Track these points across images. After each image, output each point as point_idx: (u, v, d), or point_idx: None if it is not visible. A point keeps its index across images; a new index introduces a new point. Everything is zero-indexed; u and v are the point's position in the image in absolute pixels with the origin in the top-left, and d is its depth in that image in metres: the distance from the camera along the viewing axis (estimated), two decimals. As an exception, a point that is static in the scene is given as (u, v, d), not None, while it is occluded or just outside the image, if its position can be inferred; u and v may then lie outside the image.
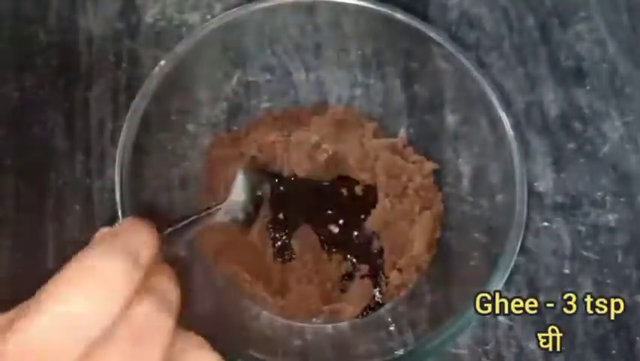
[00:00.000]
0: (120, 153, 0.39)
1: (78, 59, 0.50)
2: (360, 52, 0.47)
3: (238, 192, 0.41)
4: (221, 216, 0.39)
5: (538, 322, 0.44)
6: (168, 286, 0.25)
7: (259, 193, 0.43)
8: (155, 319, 0.23)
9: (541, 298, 0.44)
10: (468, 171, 0.44)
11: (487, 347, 0.43)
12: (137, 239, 0.25)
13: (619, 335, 0.44)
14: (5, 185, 0.46)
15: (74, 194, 0.46)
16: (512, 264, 0.37)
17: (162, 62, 0.41)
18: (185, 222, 0.34)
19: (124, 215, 0.37)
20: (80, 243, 0.45)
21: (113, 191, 0.38)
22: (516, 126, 0.41)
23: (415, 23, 0.43)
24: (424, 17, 0.52)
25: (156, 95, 0.41)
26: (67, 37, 0.51)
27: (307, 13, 0.45)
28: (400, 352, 0.36)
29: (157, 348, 0.23)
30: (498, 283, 0.37)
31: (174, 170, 0.44)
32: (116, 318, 0.22)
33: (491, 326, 0.44)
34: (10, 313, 0.22)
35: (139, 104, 0.40)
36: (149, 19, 0.52)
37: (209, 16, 0.53)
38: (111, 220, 0.45)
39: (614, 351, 0.43)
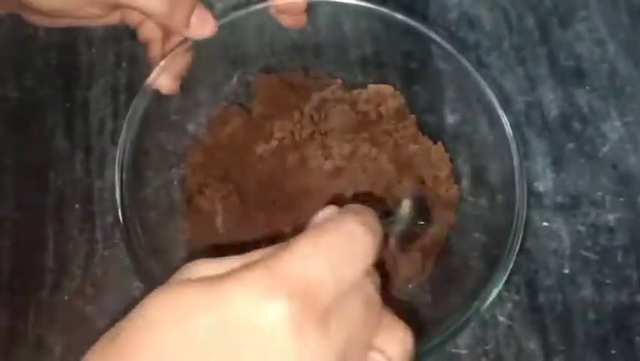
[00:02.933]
0: (120, 152, 0.39)
1: (78, 59, 0.50)
2: (360, 52, 0.47)
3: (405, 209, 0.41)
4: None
5: (538, 322, 0.44)
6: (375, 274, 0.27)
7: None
8: (375, 293, 0.25)
9: (541, 298, 0.44)
10: (468, 171, 0.44)
11: (487, 347, 0.43)
12: (374, 220, 0.26)
13: (619, 335, 0.44)
14: (5, 185, 0.46)
15: (74, 194, 0.46)
16: (512, 264, 0.37)
17: (162, 62, 0.41)
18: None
19: (124, 215, 0.37)
20: (80, 242, 0.45)
21: (113, 191, 0.38)
22: (516, 126, 0.41)
23: (415, 24, 0.43)
24: (424, 18, 0.52)
25: (156, 95, 0.41)
26: (66, 36, 0.51)
27: (307, 13, 0.45)
28: (400, 352, 0.36)
29: (377, 316, 0.25)
30: (498, 283, 0.37)
31: (174, 170, 0.44)
32: (357, 281, 0.24)
33: (491, 326, 0.44)
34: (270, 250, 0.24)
35: (139, 104, 0.40)
36: (149, 19, 0.52)
37: (209, 16, 0.53)
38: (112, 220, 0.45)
39: (614, 351, 0.43)
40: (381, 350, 0.25)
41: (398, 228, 0.40)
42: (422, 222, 0.42)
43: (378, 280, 0.26)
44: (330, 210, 0.27)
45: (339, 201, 0.42)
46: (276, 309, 0.21)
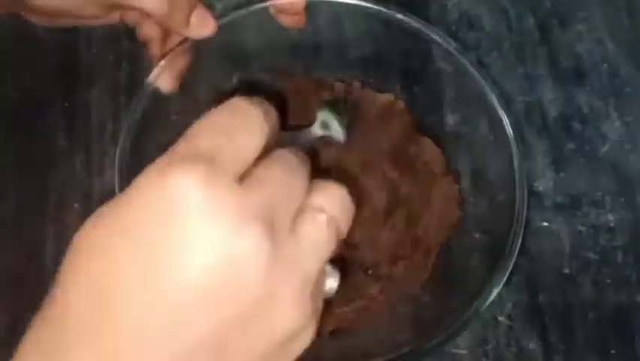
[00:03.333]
0: (120, 153, 0.39)
1: (78, 59, 0.50)
2: (360, 52, 0.47)
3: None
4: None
5: (538, 322, 0.44)
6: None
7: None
8: (297, 158, 0.25)
9: (541, 298, 0.44)
10: (467, 171, 0.44)
11: (487, 347, 0.43)
12: (263, 102, 0.26)
13: (619, 335, 0.44)
14: (5, 185, 0.46)
15: (74, 194, 0.46)
16: (512, 264, 0.37)
17: (162, 62, 0.41)
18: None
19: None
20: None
21: (113, 191, 0.38)
22: (516, 126, 0.41)
23: (415, 24, 0.43)
24: (424, 18, 0.51)
25: (156, 95, 0.41)
26: (67, 37, 0.51)
27: (307, 13, 0.45)
28: (400, 352, 0.36)
29: (304, 178, 0.25)
30: (498, 283, 0.37)
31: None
32: (270, 144, 0.24)
33: (491, 326, 0.44)
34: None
35: (139, 104, 0.40)
36: (149, 19, 0.52)
37: (209, 17, 0.53)
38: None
39: (614, 351, 0.43)
40: (320, 207, 0.24)
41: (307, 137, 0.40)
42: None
43: (303, 157, 0.26)
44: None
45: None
46: (181, 177, 0.21)
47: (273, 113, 0.25)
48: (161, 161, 0.23)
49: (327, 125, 0.40)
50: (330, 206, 0.25)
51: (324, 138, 0.40)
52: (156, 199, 0.22)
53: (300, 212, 0.24)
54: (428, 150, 0.45)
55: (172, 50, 0.41)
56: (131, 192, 0.23)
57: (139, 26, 0.42)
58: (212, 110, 0.25)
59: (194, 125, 0.24)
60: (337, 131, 0.40)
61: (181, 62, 0.42)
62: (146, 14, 0.39)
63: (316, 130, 0.40)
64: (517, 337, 0.43)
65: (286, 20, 0.43)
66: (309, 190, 0.25)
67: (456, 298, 0.40)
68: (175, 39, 0.41)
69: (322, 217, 0.24)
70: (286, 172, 0.24)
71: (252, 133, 0.24)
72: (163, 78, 0.41)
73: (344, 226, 0.25)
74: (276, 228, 0.22)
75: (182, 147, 0.23)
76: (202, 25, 0.40)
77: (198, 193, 0.21)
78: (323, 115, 0.40)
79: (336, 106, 0.41)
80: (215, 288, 0.21)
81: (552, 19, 0.53)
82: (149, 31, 0.42)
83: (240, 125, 0.24)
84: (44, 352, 0.24)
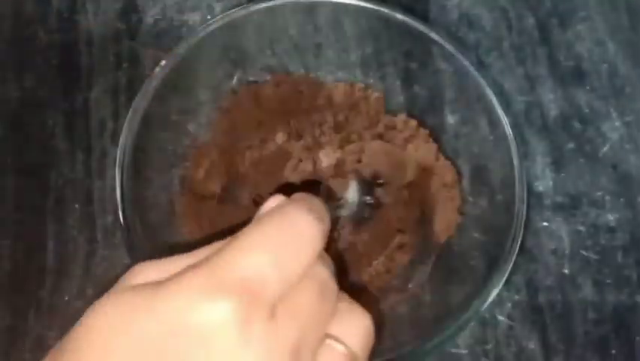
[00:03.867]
0: (120, 153, 0.39)
1: (78, 59, 0.50)
2: (360, 52, 0.47)
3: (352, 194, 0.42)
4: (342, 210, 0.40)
5: (538, 322, 0.44)
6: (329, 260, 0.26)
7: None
8: (330, 279, 0.24)
9: (541, 298, 0.44)
10: (468, 171, 0.44)
11: (487, 347, 0.43)
12: (320, 207, 0.26)
13: (619, 335, 0.44)
14: (5, 185, 0.46)
15: (74, 194, 0.46)
16: (512, 264, 0.37)
17: (162, 62, 0.41)
18: None
19: (124, 215, 0.37)
20: (80, 242, 0.45)
21: (113, 191, 0.38)
22: (516, 126, 0.41)
23: (415, 24, 0.43)
24: (424, 18, 0.52)
25: (156, 95, 0.41)
26: (67, 37, 0.51)
27: (307, 13, 0.45)
28: (400, 352, 0.36)
29: (333, 303, 0.24)
30: (498, 283, 0.37)
31: (174, 170, 0.44)
32: (307, 270, 0.23)
33: (491, 326, 0.44)
34: (206, 250, 0.24)
35: (139, 104, 0.40)
36: (149, 19, 0.52)
37: (209, 17, 0.53)
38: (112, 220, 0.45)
39: (614, 351, 0.43)
40: (338, 338, 0.24)
41: (347, 211, 0.41)
42: (370, 202, 0.42)
43: (332, 266, 0.25)
44: (275, 200, 0.26)
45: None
46: (217, 310, 0.21)
47: (327, 219, 0.25)
48: (200, 274, 0.22)
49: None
50: (353, 341, 0.24)
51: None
52: (186, 320, 0.21)
53: (322, 340, 0.24)
54: (447, 173, 0.45)
55: (171, 50, 0.42)
56: (159, 307, 0.22)
57: None
58: (265, 217, 0.23)
59: (242, 235, 0.23)
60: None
61: None
62: None
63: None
64: (517, 337, 0.43)
65: None
66: (334, 312, 0.24)
67: (456, 298, 0.40)
68: None
69: (342, 354, 0.24)
70: (319, 298, 0.23)
71: (303, 258, 0.23)
72: None
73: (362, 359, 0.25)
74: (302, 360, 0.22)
75: (226, 262, 0.22)
76: None
77: (232, 328, 0.21)
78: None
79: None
80: None
81: (552, 19, 0.53)
82: None
83: (292, 249, 0.23)
84: None
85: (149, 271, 0.24)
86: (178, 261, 0.24)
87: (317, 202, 0.26)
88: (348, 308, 0.25)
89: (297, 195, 0.27)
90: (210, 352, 0.21)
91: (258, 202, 0.44)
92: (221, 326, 0.21)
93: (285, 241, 0.23)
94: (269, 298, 0.22)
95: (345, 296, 0.25)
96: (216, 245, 0.24)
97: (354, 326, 0.24)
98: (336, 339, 0.24)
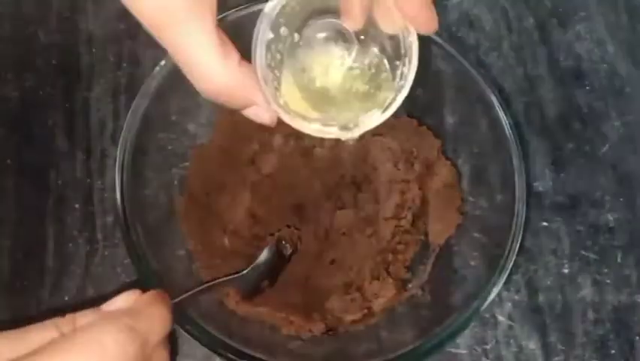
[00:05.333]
0: (120, 153, 0.39)
1: (78, 59, 0.50)
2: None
3: (263, 261, 0.42)
4: (236, 283, 0.40)
5: (538, 322, 0.44)
6: None
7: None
8: None
9: (541, 298, 0.44)
10: (468, 171, 0.44)
11: (487, 347, 0.43)
12: (153, 324, 0.29)
13: (619, 335, 0.44)
14: (5, 185, 0.46)
15: (74, 194, 0.46)
16: (512, 264, 0.37)
17: (162, 62, 0.41)
18: (198, 289, 0.37)
19: (124, 215, 0.37)
20: (80, 242, 0.45)
21: (113, 191, 0.38)
22: (515, 126, 0.41)
23: (415, 24, 0.43)
24: (424, 17, 0.52)
25: (156, 95, 0.41)
26: (67, 37, 0.51)
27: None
28: (400, 352, 0.36)
29: None
30: (498, 283, 0.37)
31: (174, 170, 0.44)
32: None
33: (491, 326, 0.44)
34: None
35: (139, 104, 0.40)
36: (149, 19, 0.52)
37: (209, 17, 0.53)
38: (112, 221, 0.45)
39: (614, 351, 0.43)
40: None
41: (247, 280, 0.41)
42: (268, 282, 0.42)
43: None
44: (123, 298, 0.30)
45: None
46: None
47: (157, 330, 0.29)
48: None
49: None
50: None
51: None
52: None
53: None
54: (447, 173, 0.45)
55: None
56: None
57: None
58: (80, 333, 0.26)
59: (49, 353, 0.26)
60: None
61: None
62: None
63: None
64: (517, 337, 0.43)
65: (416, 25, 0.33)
66: None
67: (456, 298, 0.40)
68: None
69: None
70: None
71: None
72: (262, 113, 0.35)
73: None
74: None
75: None
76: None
77: None
78: None
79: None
80: None
81: (552, 19, 0.54)
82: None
83: None
84: None
85: None
86: (20, 340, 0.27)
87: (155, 312, 0.29)
88: None
89: (139, 300, 0.30)
90: None
91: (255, 215, 0.44)
92: None
93: None
94: None
95: None
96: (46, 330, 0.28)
97: None
98: None
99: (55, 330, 0.28)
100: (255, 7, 0.43)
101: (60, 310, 0.31)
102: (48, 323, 0.29)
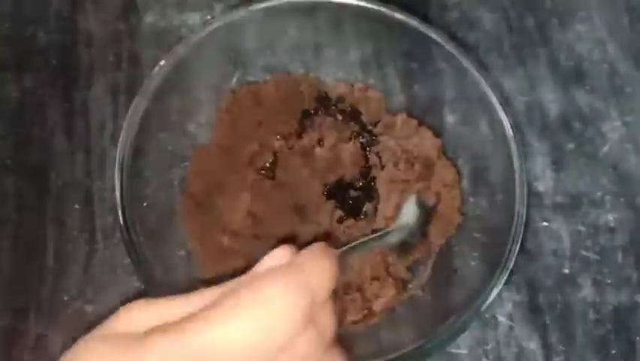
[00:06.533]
0: (120, 153, 0.39)
1: (78, 59, 0.50)
2: (360, 52, 0.47)
3: (410, 215, 0.41)
4: (393, 238, 0.40)
5: (539, 322, 0.44)
6: (329, 321, 0.27)
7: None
8: (314, 351, 0.25)
9: (541, 298, 0.44)
10: (468, 171, 0.44)
11: (487, 347, 0.43)
12: (320, 276, 0.26)
13: (619, 335, 0.44)
14: (5, 185, 0.46)
15: (74, 194, 0.46)
16: (512, 264, 0.37)
17: (162, 62, 0.41)
18: (358, 242, 0.35)
19: (124, 215, 0.37)
20: (80, 242, 0.45)
21: (113, 191, 0.38)
22: (516, 126, 0.41)
23: (415, 24, 0.43)
24: (424, 18, 0.51)
25: (156, 95, 0.41)
26: (67, 37, 0.51)
27: (307, 13, 0.45)
28: (400, 352, 0.36)
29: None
30: (498, 283, 0.37)
31: (174, 170, 0.44)
32: (285, 344, 0.24)
33: (491, 326, 0.44)
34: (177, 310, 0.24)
35: (139, 104, 0.40)
36: (149, 19, 0.52)
37: (209, 17, 0.53)
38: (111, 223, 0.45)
39: (614, 351, 0.43)
40: None
41: (396, 238, 0.40)
42: (419, 234, 0.42)
43: (314, 334, 0.26)
44: (278, 255, 0.27)
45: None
46: None
47: (326, 282, 0.26)
48: (166, 340, 0.23)
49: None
50: None
51: None
52: None
53: None
54: (447, 173, 0.45)
55: (171, 49, 0.42)
56: None
57: None
58: (248, 289, 0.24)
59: (217, 305, 0.24)
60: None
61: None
62: None
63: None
64: (517, 337, 0.43)
65: None
66: None
67: (456, 298, 0.40)
68: None
69: None
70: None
71: (275, 335, 0.24)
72: None
73: None
74: None
75: (196, 336, 0.23)
76: None
77: None
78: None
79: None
80: None
81: (552, 19, 0.54)
82: None
83: (264, 327, 0.23)
84: None
85: (136, 315, 0.25)
86: (168, 307, 0.25)
87: (321, 264, 0.26)
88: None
89: (303, 255, 0.27)
90: None
91: (255, 215, 0.44)
92: None
93: (258, 319, 0.23)
94: None
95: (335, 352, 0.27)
96: (216, 293, 0.25)
97: None
98: None
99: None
100: (255, 7, 0.43)
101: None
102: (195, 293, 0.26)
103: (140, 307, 0.25)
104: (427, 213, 0.42)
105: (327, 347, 0.26)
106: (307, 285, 0.25)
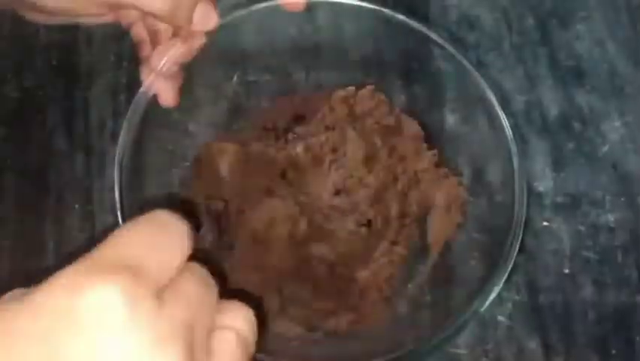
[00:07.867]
0: (120, 152, 0.39)
1: (78, 59, 0.50)
2: (360, 52, 0.47)
3: None
4: None
5: (539, 322, 0.44)
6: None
7: None
8: (208, 275, 0.25)
9: (541, 298, 0.44)
10: (467, 171, 0.44)
11: (487, 347, 0.43)
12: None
13: (619, 335, 0.44)
14: (5, 185, 0.46)
15: (74, 194, 0.46)
16: (512, 264, 0.37)
17: (163, 62, 0.41)
18: None
19: (123, 215, 0.37)
20: (80, 242, 0.45)
21: (113, 191, 0.38)
22: (516, 126, 0.41)
23: (415, 24, 0.43)
24: (425, 18, 0.52)
25: (156, 94, 0.41)
26: (67, 37, 0.51)
27: (307, 13, 0.45)
28: (400, 352, 0.36)
29: (215, 295, 0.24)
30: (498, 283, 0.37)
31: (174, 170, 0.44)
32: (182, 266, 0.24)
33: (491, 326, 0.44)
34: None
35: (139, 103, 0.40)
36: (149, 19, 0.52)
37: (209, 16, 0.53)
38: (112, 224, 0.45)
39: (614, 351, 0.43)
40: (230, 326, 0.24)
41: None
42: None
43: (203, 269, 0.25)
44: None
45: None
46: (102, 292, 0.21)
47: (190, 232, 0.25)
48: (80, 265, 0.22)
49: None
50: (239, 324, 0.25)
51: None
52: (70, 306, 0.21)
53: (211, 331, 0.24)
54: (448, 172, 0.45)
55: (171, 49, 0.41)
56: (39, 300, 0.22)
57: (133, 27, 0.42)
58: (137, 219, 0.24)
59: (117, 232, 0.24)
60: None
61: (179, 79, 0.41)
62: (150, 14, 0.39)
63: None
64: (517, 337, 0.43)
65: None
66: (217, 305, 0.25)
67: (456, 298, 0.40)
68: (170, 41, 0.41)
69: (233, 335, 0.24)
70: (201, 286, 0.24)
71: (175, 248, 0.24)
72: (165, 94, 0.41)
73: (252, 343, 0.25)
74: (195, 347, 0.22)
75: (106, 252, 0.23)
76: (206, 20, 0.40)
77: (120, 306, 0.20)
78: None
79: None
80: None
81: (552, 19, 0.53)
82: (141, 32, 0.42)
83: (164, 239, 0.24)
84: None
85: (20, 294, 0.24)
86: None
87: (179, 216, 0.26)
88: (229, 304, 0.25)
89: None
90: (98, 335, 0.20)
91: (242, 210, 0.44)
92: (108, 308, 0.20)
93: (158, 235, 0.24)
94: (152, 280, 0.22)
95: (224, 300, 0.26)
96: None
97: (239, 316, 0.25)
98: (226, 327, 0.24)
99: None
100: (255, 7, 0.43)
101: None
102: None
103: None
104: None
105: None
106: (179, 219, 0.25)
